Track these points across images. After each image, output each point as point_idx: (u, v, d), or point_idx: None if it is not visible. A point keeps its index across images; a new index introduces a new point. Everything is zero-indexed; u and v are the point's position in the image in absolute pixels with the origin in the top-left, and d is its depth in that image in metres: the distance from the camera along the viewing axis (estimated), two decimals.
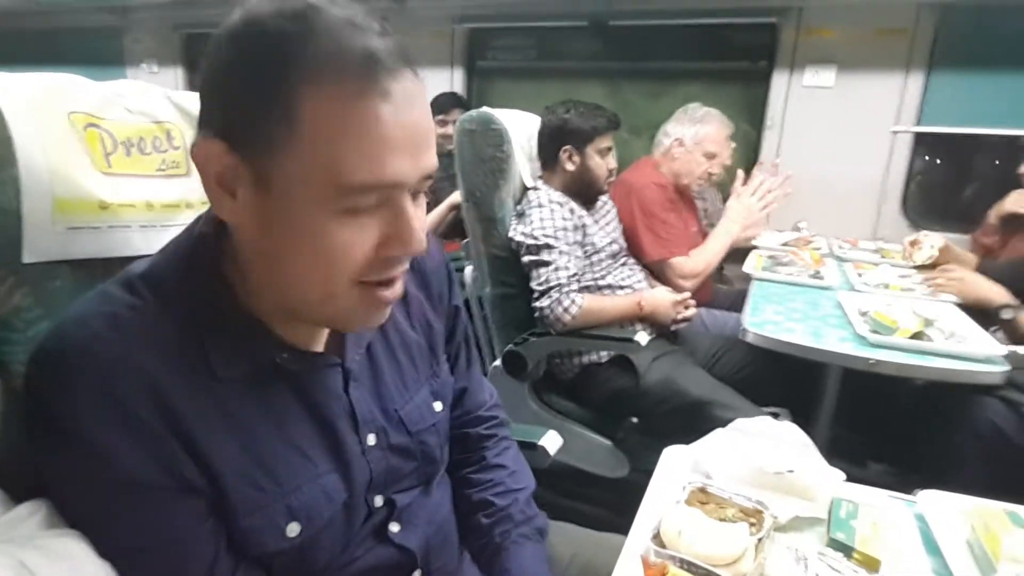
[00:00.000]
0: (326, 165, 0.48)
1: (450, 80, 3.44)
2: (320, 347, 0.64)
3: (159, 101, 0.84)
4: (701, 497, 0.71)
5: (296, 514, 0.58)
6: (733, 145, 2.31)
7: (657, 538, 0.64)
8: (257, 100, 0.48)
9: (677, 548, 0.62)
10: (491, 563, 0.78)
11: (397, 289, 0.57)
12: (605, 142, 1.81)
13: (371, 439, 0.66)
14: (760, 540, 0.63)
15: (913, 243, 2.06)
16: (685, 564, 0.60)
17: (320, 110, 0.48)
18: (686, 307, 1.79)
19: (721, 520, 0.66)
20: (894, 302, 1.59)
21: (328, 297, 0.54)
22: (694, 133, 2.16)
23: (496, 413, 0.90)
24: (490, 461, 0.85)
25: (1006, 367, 1.29)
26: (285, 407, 0.60)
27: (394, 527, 0.69)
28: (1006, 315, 1.66)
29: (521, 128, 1.84)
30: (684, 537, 0.62)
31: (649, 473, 0.81)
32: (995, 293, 1.70)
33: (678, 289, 1.91)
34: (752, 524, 0.66)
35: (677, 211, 2.12)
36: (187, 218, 0.67)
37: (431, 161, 0.53)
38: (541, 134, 1.85)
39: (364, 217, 0.51)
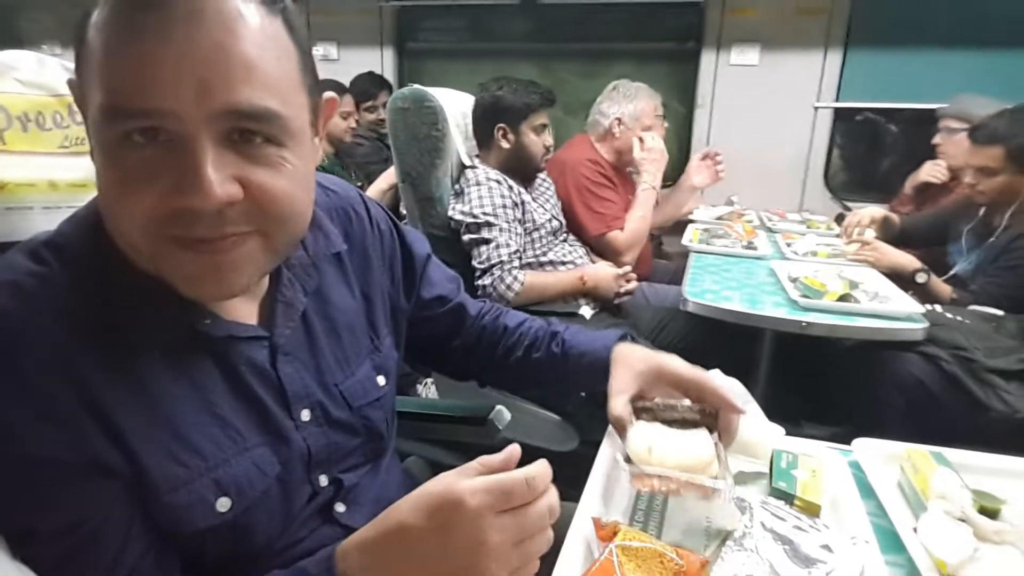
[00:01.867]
0: (100, 85, 0.45)
1: (380, 60, 3.35)
2: (249, 318, 0.61)
3: (56, 73, 0.77)
4: (647, 417, 0.71)
5: (225, 488, 0.55)
6: (661, 113, 2.33)
7: (629, 461, 0.63)
8: (78, 24, 0.47)
9: (649, 464, 0.60)
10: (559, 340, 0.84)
11: (225, 250, 0.49)
12: (540, 119, 1.80)
13: (305, 415, 0.63)
14: (719, 439, 0.64)
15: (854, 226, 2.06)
16: (664, 479, 0.59)
17: (97, 25, 0.45)
18: (627, 280, 1.81)
19: (682, 429, 0.67)
20: (822, 268, 1.66)
21: (134, 248, 0.49)
22: (632, 110, 2.18)
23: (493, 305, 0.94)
24: (509, 324, 0.89)
25: (925, 324, 1.37)
26: (208, 379, 0.57)
27: (340, 507, 0.67)
28: (920, 279, 1.77)
29: (456, 105, 1.80)
30: (655, 452, 0.61)
31: (598, 444, 0.81)
32: (907, 260, 1.81)
33: (618, 263, 1.94)
34: (708, 427, 0.66)
35: (613, 187, 2.14)
36: None
37: (231, 97, 0.45)
38: (475, 113, 1.83)
39: (147, 155, 0.45)
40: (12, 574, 0.48)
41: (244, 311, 0.60)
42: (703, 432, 0.64)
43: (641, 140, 2.13)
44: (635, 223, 2.04)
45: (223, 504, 0.55)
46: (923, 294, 1.79)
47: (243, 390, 0.59)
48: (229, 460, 0.56)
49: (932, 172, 2.31)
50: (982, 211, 1.89)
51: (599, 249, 2.03)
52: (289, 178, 0.50)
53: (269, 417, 0.60)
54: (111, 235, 0.50)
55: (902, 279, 1.74)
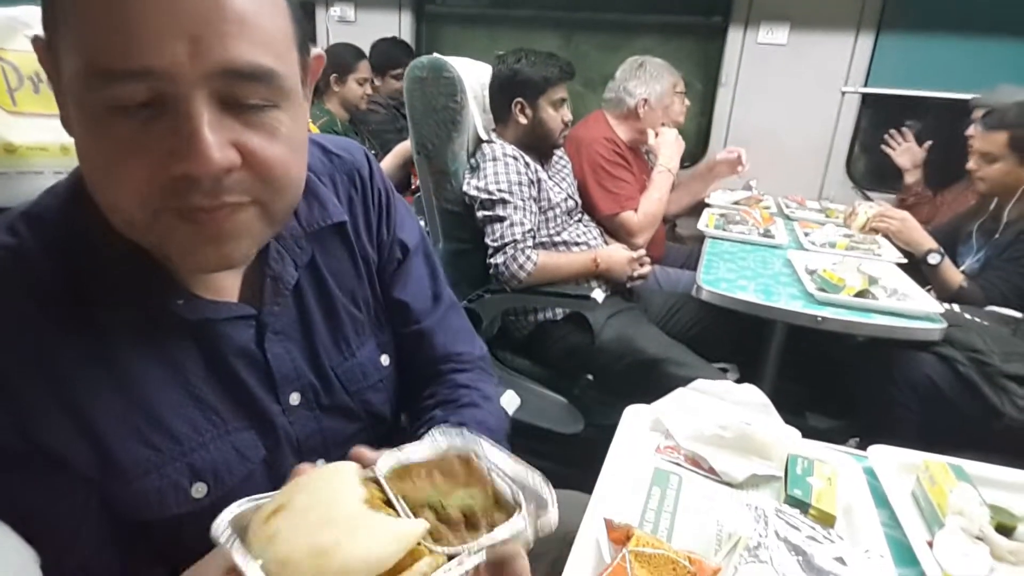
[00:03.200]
0: (81, 47, 0.41)
1: (398, 24, 3.27)
2: (231, 295, 0.58)
3: None
4: (444, 466, 0.46)
5: (201, 474, 0.54)
6: (682, 90, 2.28)
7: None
8: None
9: (251, 545, 0.36)
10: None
11: (222, 218, 0.46)
12: (558, 93, 1.75)
13: (295, 398, 0.61)
14: (458, 557, 0.38)
15: (851, 213, 2.11)
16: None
17: None
18: (641, 264, 1.79)
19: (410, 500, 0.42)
20: (840, 261, 1.63)
21: (129, 222, 0.46)
22: (659, 91, 2.12)
23: (483, 366, 0.78)
24: (461, 381, 0.73)
25: (943, 324, 1.35)
26: (188, 359, 0.54)
27: None
28: (933, 260, 1.77)
29: (475, 77, 1.76)
30: (274, 525, 0.36)
31: (604, 428, 0.80)
32: (927, 239, 1.81)
33: (631, 245, 1.91)
34: (458, 529, 0.41)
35: (628, 167, 2.10)
36: None
37: (226, 53, 0.42)
38: (492, 86, 1.78)
39: (138, 121, 0.42)
40: (18, 547, 0.47)
41: (227, 286, 0.57)
42: (415, 524, 0.39)
43: (657, 134, 2.10)
44: (650, 205, 2.01)
45: (199, 490, 0.54)
46: (932, 277, 1.79)
47: (225, 372, 0.56)
48: (207, 444, 0.55)
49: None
50: (992, 206, 1.88)
51: (611, 230, 2.00)
52: (284, 143, 0.48)
53: (253, 401, 0.58)
54: (102, 208, 0.47)
55: (919, 272, 1.73)
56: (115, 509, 0.52)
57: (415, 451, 0.46)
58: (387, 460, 0.45)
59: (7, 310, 0.46)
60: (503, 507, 0.44)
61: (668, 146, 2.08)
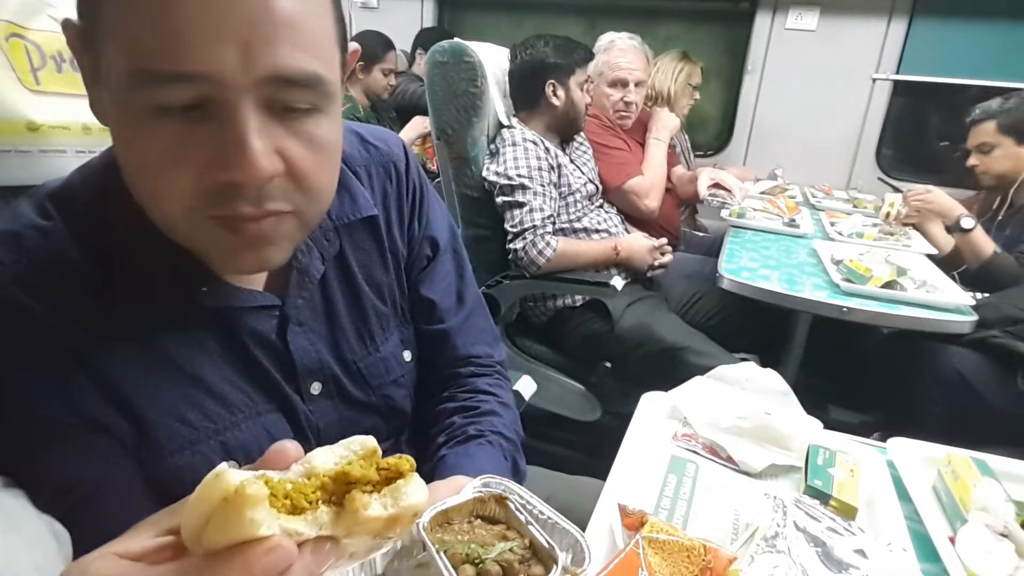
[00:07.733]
0: (126, 46, 0.40)
1: (420, 9, 3.26)
2: (257, 284, 0.58)
3: None
4: (482, 508, 0.50)
5: (232, 452, 0.54)
6: (695, 83, 2.19)
7: None
8: None
9: None
10: (447, 453, 0.66)
11: (266, 227, 0.46)
12: (584, 75, 1.75)
13: (315, 388, 0.61)
14: None
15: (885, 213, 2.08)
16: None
17: None
18: (662, 253, 1.76)
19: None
20: (868, 251, 1.59)
21: (170, 226, 0.46)
22: (595, 65, 2.02)
23: (501, 370, 0.78)
24: (480, 387, 0.74)
25: (973, 316, 1.31)
26: (215, 343, 0.55)
27: None
28: (966, 224, 1.76)
29: (496, 62, 1.74)
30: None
31: (621, 416, 0.80)
32: (957, 205, 1.82)
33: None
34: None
35: (618, 135, 2.04)
36: None
37: (276, 60, 0.41)
38: (518, 72, 1.76)
39: (182, 124, 0.41)
40: (35, 522, 0.48)
41: (253, 275, 0.57)
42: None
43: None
44: (652, 171, 1.98)
45: None
46: (965, 245, 1.78)
47: (248, 358, 0.57)
48: (239, 424, 0.55)
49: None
50: (996, 202, 1.90)
51: (624, 205, 1.95)
52: (326, 150, 0.47)
53: (276, 387, 0.59)
54: (141, 204, 0.46)
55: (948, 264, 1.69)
56: (149, 486, 0.52)
57: (454, 499, 0.49)
58: (428, 512, 0.47)
59: (35, 288, 0.47)
60: (541, 559, 0.45)
61: (658, 120, 2.09)
